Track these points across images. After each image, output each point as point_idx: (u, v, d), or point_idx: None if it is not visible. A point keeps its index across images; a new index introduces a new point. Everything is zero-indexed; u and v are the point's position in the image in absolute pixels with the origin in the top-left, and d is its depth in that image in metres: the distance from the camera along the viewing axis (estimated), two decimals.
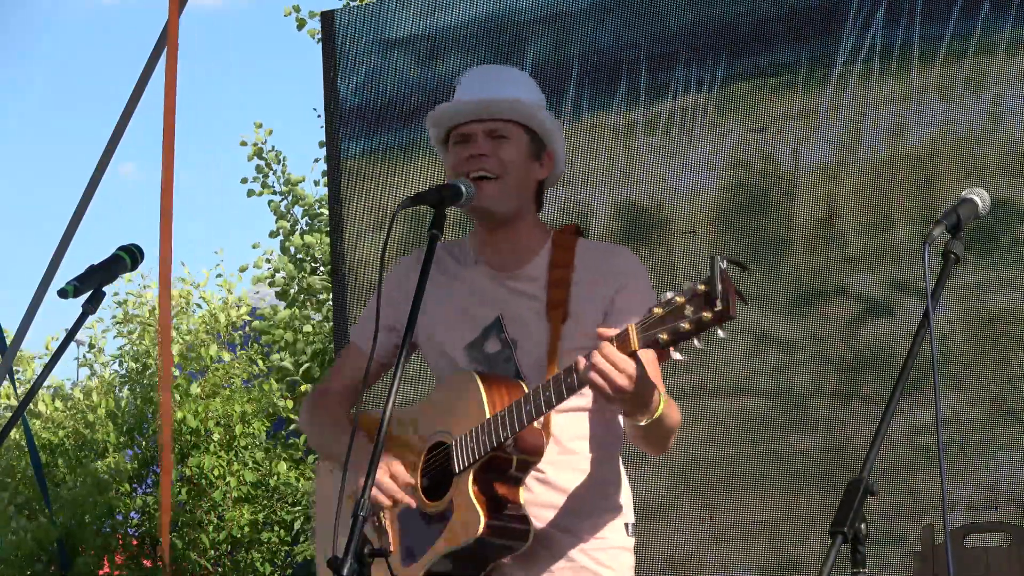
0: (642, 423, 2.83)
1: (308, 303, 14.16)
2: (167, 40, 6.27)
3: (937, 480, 4.63)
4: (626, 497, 3.13)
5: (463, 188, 2.95)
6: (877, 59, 5.10)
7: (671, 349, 2.61)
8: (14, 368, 12.97)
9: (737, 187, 5.33)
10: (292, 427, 13.54)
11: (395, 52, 6.28)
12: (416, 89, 6.20)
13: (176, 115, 6.32)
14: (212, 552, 12.46)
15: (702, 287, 2.54)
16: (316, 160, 15.01)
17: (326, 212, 14.27)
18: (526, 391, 2.88)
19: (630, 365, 2.67)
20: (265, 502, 12.72)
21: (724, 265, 2.52)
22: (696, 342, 2.57)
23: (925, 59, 5.00)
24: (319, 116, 14.78)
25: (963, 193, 2.90)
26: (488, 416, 2.87)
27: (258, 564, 12.66)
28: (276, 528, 12.77)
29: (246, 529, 12.48)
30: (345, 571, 2.50)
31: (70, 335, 3.17)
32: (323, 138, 12.62)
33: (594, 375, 2.69)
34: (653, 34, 5.57)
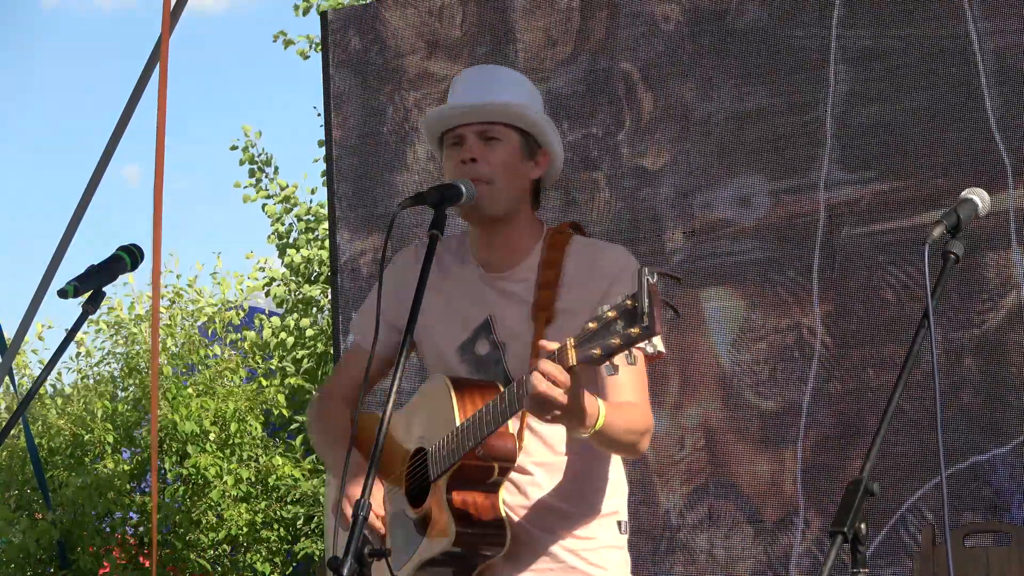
0: (583, 436, 2.79)
1: (307, 310, 14.19)
2: (160, 61, 6.20)
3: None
4: (620, 496, 3.11)
5: (463, 188, 2.95)
6: None
7: (607, 363, 2.53)
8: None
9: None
10: (292, 427, 13.53)
11: (393, 51, 6.28)
12: (413, 86, 6.20)
13: (168, 127, 6.31)
14: (211, 552, 12.45)
15: (629, 302, 2.48)
16: (315, 160, 15.03)
17: (322, 219, 14.29)
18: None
19: (564, 378, 2.61)
20: (264, 501, 12.71)
21: (653, 279, 2.45)
22: (626, 358, 2.49)
23: None
24: (319, 115, 14.81)
25: (963, 193, 2.88)
26: (458, 424, 2.86)
27: (257, 564, 12.65)
28: (275, 527, 12.76)
29: (245, 529, 12.47)
30: (345, 571, 2.50)
31: (70, 335, 3.17)
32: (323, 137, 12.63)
33: (535, 390, 2.63)
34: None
